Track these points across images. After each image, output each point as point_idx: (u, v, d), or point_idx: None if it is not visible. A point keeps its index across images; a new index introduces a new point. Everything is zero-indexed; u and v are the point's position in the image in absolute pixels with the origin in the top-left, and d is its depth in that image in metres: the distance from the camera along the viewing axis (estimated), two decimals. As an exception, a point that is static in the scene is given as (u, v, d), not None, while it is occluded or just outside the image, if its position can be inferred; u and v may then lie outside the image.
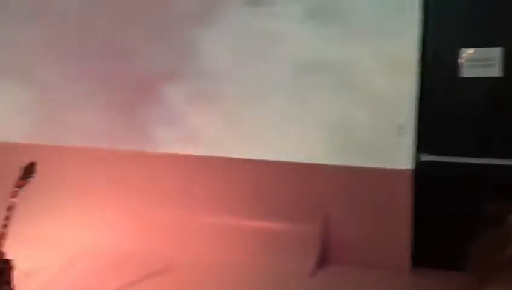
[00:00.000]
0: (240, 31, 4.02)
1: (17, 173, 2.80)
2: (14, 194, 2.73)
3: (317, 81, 3.90)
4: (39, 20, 4.42)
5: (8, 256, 2.71)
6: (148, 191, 4.26)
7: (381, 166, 3.82)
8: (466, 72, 3.63)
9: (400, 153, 3.78)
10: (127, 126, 4.35)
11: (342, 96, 3.88)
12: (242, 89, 4.09)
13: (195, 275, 3.66)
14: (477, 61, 3.62)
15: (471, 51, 3.62)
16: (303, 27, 3.87)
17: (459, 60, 3.64)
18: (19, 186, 2.77)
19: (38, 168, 2.86)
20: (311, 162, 3.95)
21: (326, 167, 3.92)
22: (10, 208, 2.70)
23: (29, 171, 2.82)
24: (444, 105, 3.74)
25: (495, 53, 3.57)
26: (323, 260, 3.91)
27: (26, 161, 2.86)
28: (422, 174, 3.77)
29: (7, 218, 2.69)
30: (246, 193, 4.08)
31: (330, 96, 3.90)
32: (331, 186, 3.97)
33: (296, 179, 4.01)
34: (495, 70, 3.59)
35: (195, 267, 3.74)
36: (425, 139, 3.77)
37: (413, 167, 3.77)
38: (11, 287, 2.74)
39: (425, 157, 3.78)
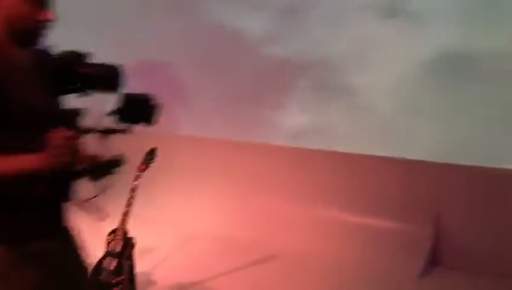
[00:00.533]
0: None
1: (139, 158, 3.00)
2: (136, 177, 2.95)
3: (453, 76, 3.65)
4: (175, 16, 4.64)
5: (130, 234, 2.95)
6: (259, 181, 4.34)
7: (505, 166, 3.50)
8: None
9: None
10: (250, 116, 4.45)
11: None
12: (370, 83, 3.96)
13: (300, 266, 3.68)
14: None
15: None
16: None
17: None
18: (141, 170, 2.97)
19: (159, 154, 3.05)
20: (426, 160, 3.75)
21: (441, 166, 3.70)
22: (133, 190, 2.92)
23: (150, 156, 3.01)
24: None
25: None
26: (433, 263, 3.70)
27: (148, 147, 3.05)
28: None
29: (130, 199, 2.91)
30: (357, 188, 4.00)
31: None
32: (446, 185, 3.73)
33: (409, 177, 3.84)
34: None
35: (300, 257, 3.75)
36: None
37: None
38: (132, 262, 2.98)
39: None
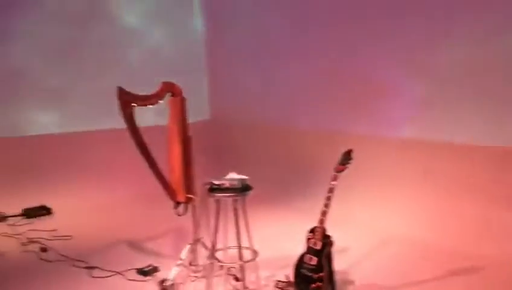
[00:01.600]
0: None
1: (334, 158, 3.08)
2: (334, 178, 3.03)
3: None
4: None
5: (328, 233, 3.04)
6: (460, 184, 4.04)
7: None
8: None
9: None
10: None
11: None
12: None
13: (509, 280, 3.29)
14: None
15: None
16: None
17: None
18: (338, 170, 3.04)
19: (355, 155, 3.08)
20: None
21: None
22: (331, 190, 3.01)
23: (347, 157, 3.07)
24: None
25: None
26: None
27: (346, 148, 3.11)
28: None
29: (328, 199, 3.01)
30: None
31: None
32: None
33: None
34: None
35: (508, 270, 3.37)
36: None
37: None
38: (331, 260, 3.07)
39: None
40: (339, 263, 3.23)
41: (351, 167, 3.05)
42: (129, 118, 3.10)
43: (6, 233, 4.39)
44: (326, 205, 3.00)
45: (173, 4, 6.20)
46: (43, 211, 4.94)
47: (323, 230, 3.02)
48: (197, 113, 6.25)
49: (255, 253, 3.14)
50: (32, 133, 5.26)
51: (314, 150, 5.13)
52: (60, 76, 5.45)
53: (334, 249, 3.08)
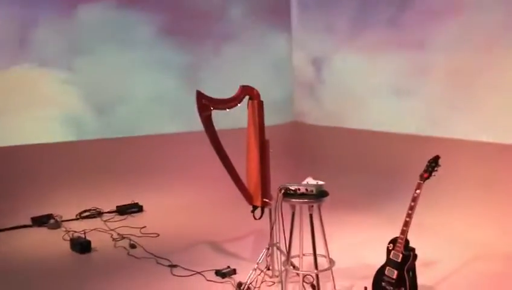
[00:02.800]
0: None
1: (422, 163, 2.87)
2: (418, 186, 2.83)
3: None
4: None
5: (411, 244, 2.85)
6: None
7: None
8: None
9: None
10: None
11: None
12: None
13: None
14: None
15: None
16: None
17: None
18: (423, 178, 2.83)
19: (443, 161, 2.85)
20: None
21: None
22: (414, 199, 2.81)
23: (433, 164, 2.84)
24: None
25: None
26: None
27: (436, 152, 2.89)
28: None
29: (411, 208, 2.81)
30: None
31: None
32: None
33: None
34: None
35: None
36: None
37: None
38: (414, 274, 2.87)
39: None
40: (423, 278, 3.02)
41: (440, 172, 2.83)
42: (207, 122, 3.16)
43: (101, 228, 4.71)
44: (409, 215, 2.81)
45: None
46: (135, 208, 5.23)
47: (406, 242, 2.84)
48: (282, 115, 6.26)
49: (331, 262, 3.04)
50: (128, 134, 5.58)
51: (400, 154, 4.87)
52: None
53: (419, 263, 2.87)
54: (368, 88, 5.37)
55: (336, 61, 5.73)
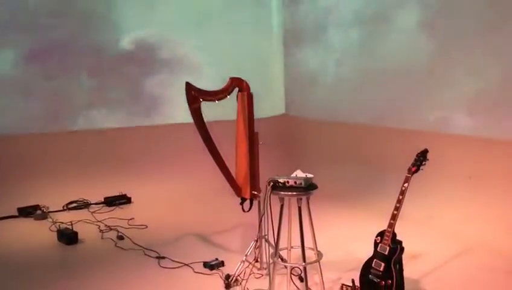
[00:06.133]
0: None
1: (410, 157, 2.88)
2: (406, 179, 2.83)
3: None
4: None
5: (399, 237, 2.86)
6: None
7: None
8: None
9: None
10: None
11: None
12: None
13: None
14: None
15: None
16: None
17: None
18: (411, 172, 2.84)
19: (431, 155, 2.86)
20: None
21: None
22: (402, 192, 2.82)
23: (422, 158, 2.85)
24: None
25: None
26: None
27: (421, 148, 2.90)
28: None
29: (399, 201, 2.82)
30: None
31: None
32: None
33: None
34: None
35: None
36: None
37: None
38: (401, 266, 2.89)
39: None
40: (410, 271, 3.04)
41: (429, 165, 2.84)
42: (196, 113, 3.14)
43: (88, 220, 4.67)
44: (397, 209, 2.82)
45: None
46: (123, 200, 5.20)
47: (393, 234, 2.85)
48: (272, 108, 6.24)
49: (319, 254, 3.04)
50: (114, 126, 5.53)
51: (388, 148, 4.89)
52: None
53: (406, 256, 2.89)
54: (360, 79, 5.36)
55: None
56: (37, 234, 4.35)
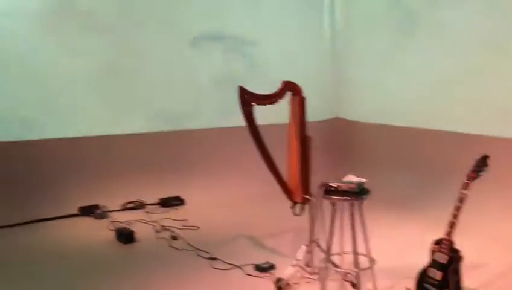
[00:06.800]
0: None
1: (466, 163, 2.78)
2: (465, 186, 2.73)
3: None
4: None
5: (457, 246, 2.76)
6: None
7: None
8: None
9: None
10: None
11: None
12: None
13: None
14: None
15: None
16: None
17: None
18: (471, 178, 2.74)
19: (491, 161, 2.74)
20: None
21: None
22: (461, 199, 2.72)
23: (482, 164, 2.74)
24: None
25: None
26: None
27: (481, 154, 2.79)
28: None
29: (457, 209, 2.72)
30: None
31: None
32: None
33: None
34: None
35: None
36: None
37: None
38: (459, 277, 2.78)
39: None
40: (469, 281, 2.92)
41: (491, 172, 2.72)
42: (248, 117, 3.18)
43: (144, 220, 4.83)
44: (455, 216, 2.73)
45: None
46: (177, 201, 5.33)
47: (451, 243, 2.75)
48: (324, 111, 6.19)
49: (372, 261, 2.99)
50: (170, 128, 5.69)
51: (444, 152, 4.72)
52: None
53: (465, 264, 2.78)
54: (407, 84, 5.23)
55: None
56: (97, 232, 4.55)
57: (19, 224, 4.62)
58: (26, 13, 5.00)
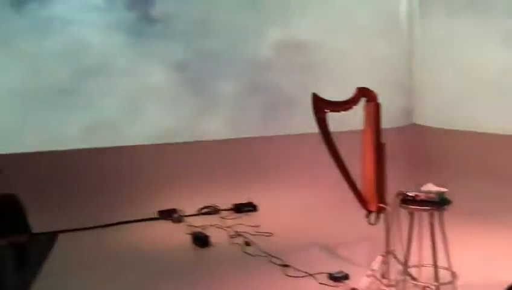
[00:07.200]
0: None
1: None
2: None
3: None
4: None
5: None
6: None
7: None
8: None
9: None
10: None
11: None
12: None
13: None
14: None
15: None
16: None
17: None
18: None
19: None
20: None
21: None
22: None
23: None
24: None
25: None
26: None
27: None
28: None
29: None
30: None
31: None
32: None
33: None
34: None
35: None
36: None
37: None
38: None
39: None
40: None
41: None
42: (322, 124, 3.15)
43: (218, 225, 4.94)
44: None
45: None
46: (250, 207, 5.39)
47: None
48: (399, 117, 6.00)
49: (453, 274, 2.84)
50: (248, 135, 5.79)
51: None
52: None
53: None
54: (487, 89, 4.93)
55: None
56: (174, 235, 4.72)
57: (101, 226, 4.91)
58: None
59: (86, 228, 4.84)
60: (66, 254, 4.26)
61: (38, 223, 4.25)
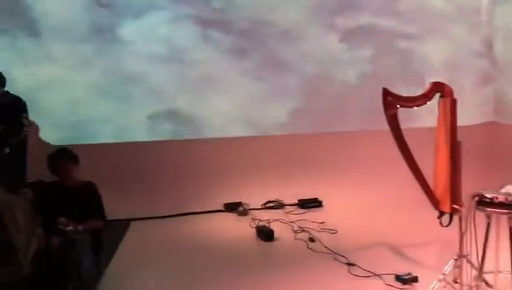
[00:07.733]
0: None
1: None
2: None
3: None
4: None
5: None
6: None
7: None
8: None
9: None
10: None
11: None
12: None
13: None
14: None
15: None
16: None
17: None
18: None
19: None
20: None
21: None
22: None
23: None
24: None
25: None
26: None
27: None
28: None
29: None
30: None
31: None
32: None
33: None
34: None
35: None
36: None
37: None
38: None
39: None
40: None
41: None
42: (392, 120, 3.05)
43: (283, 219, 4.94)
44: None
45: None
46: (315, 203, 5.34)
47: None
48: (478, 114, 5.68)
49: (534, 284, 2.65)
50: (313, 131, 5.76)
51: None
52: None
53: None
54: None
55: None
56: (239, 228, 4.78)
57: (170, 216, 5.07)
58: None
59: (156, 217, 5.03)
60: (137, 241, 4.47)
61: (112, 211, 4.49)
